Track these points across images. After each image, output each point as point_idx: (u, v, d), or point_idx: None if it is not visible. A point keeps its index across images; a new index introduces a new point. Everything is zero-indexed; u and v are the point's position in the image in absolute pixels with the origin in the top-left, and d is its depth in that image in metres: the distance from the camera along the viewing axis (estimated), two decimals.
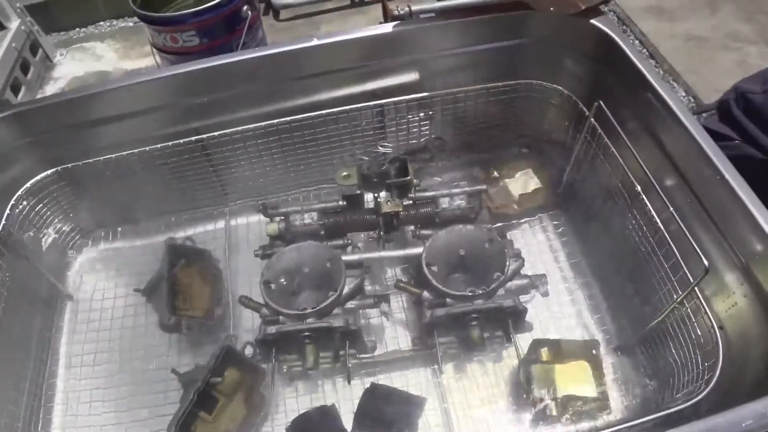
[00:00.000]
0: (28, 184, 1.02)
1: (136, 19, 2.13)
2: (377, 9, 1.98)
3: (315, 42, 0.95)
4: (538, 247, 1.08)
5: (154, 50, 1.55)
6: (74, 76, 1.98)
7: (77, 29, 2.18)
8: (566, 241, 1.08)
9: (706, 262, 0.73)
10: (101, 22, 2.18)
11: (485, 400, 0.94)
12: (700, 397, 0.75)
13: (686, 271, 0.79)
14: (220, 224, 1.17)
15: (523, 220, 1.10)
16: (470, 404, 0.93)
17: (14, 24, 1.82)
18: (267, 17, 2.03)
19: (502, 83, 1.04)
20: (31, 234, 1.05)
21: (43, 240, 1.09)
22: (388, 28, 0.97)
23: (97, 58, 2.05)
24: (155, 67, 1.52)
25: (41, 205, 1.06)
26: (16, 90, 1.76)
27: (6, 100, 1.59)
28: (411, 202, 0.99)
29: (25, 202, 1.02)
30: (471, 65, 1.03)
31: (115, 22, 2.18)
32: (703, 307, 0.80)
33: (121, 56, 2.03)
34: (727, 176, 0.77)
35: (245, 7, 1.47)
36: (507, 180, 1.10)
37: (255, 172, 1.10)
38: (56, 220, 1.11)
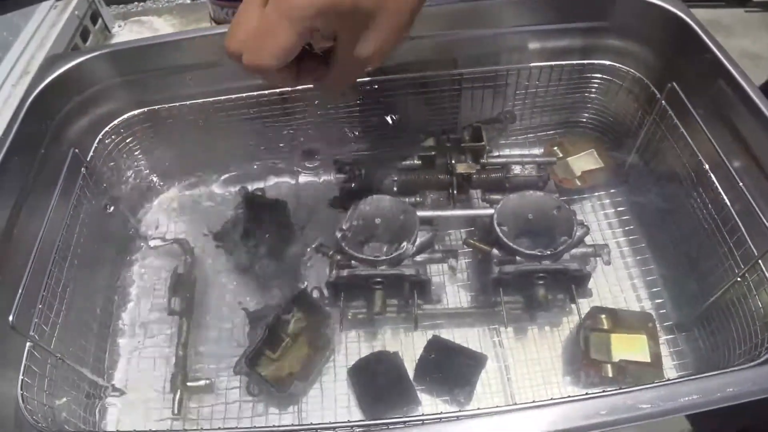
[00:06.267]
0: (116, 121, 1.06)
1: None
2: None
3: None
4: (598, 224, 1.11)
5: (215, 25, 1.61)
6: None
7: (136, 3, 2.24)
8: (626, 219, 1.11)
9: None
10: None
11: (543, 361, 0.97)
12: (760, 360, 0.77)
13: (751, 245, 0.83)
14: (293, 179, 1.21)
15: (584, 196, 1.14)
16: (528, 364, 0.97)
17: None
18: None
19: (576, 62, 1.08)
20: (114, 170, 1.09)
21: (124, 178, 1.13)
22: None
23: (154, 32, 2.11)
24: None
25: (125, 143, 1.10)
26: None
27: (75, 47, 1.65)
28: (482, 167, 1.02)
29: (113, 136, 1.06)
30: (547, 43, 1.07)
31: None
32: (767, 279, 0.83)
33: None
34: None
35: None
36: (570, 158, 1.14)
37: (331, 129, 1.14)
38: (137, 162, 1.15)
